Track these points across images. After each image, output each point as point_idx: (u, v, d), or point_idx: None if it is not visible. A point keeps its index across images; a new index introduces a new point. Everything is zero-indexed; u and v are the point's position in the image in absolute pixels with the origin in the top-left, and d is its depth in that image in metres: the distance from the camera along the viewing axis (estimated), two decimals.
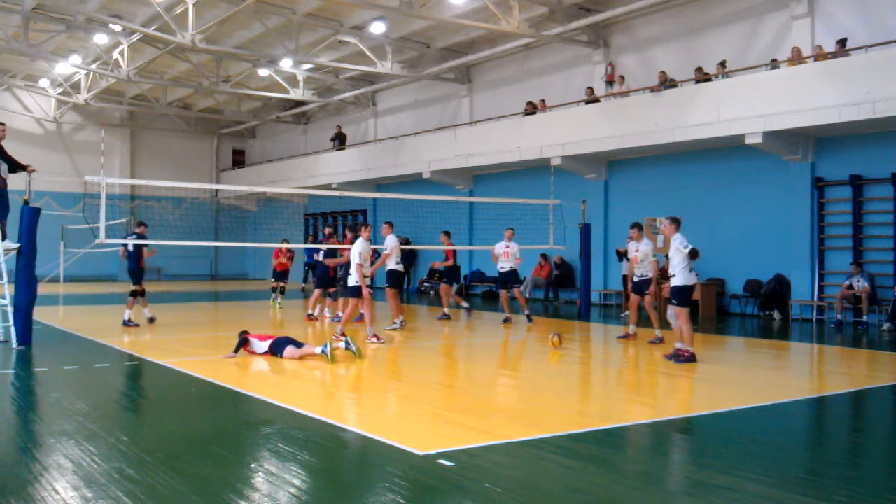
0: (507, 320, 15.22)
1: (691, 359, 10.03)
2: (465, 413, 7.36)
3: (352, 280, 12.01)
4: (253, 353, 10.50)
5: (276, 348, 10.29)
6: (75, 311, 18.60)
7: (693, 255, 10.09)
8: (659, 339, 12.10)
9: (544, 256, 21.96)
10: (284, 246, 20.34)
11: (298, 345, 10.31)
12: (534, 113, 21.65)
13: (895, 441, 6.81)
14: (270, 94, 28.82)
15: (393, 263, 14.04)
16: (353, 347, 10.15)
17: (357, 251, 11.85)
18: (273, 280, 20.46)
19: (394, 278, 14.36)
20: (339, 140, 30.61)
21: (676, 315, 10.31)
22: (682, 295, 10.28)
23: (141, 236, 14.89)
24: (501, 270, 15.28)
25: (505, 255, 15.04)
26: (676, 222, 10.48)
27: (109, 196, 13.77)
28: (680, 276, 10.25)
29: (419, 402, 7.82)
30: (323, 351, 9.94)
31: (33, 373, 9.36)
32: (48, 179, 22.18)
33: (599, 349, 12.77)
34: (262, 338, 10.56)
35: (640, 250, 12.17)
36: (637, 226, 12.38)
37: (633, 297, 12.60)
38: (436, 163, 24.30)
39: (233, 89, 28.47)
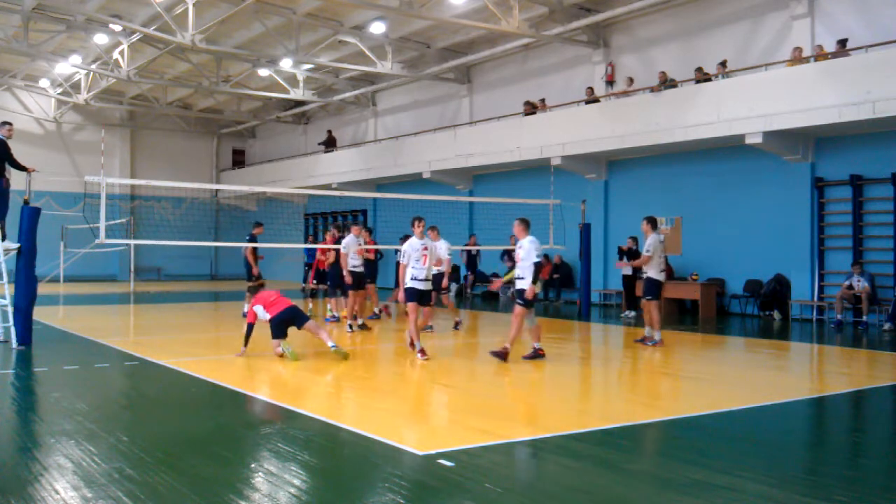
0: (456, 325, 14.16)
1: (502, 355, 10.04)
2: (465, 413, 7.37)
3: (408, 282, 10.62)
4: (257, 318, 10.35)
5: (275, 328, 10.15)
6: (75, 311, 18.60)
7: (537, 266, 9.95)
8: (655, 340, 12.01)
9: (545, 256, 21.95)
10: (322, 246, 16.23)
11: (296, 321, 10.23)
12: (533, 113, 21.66)
13: (895, 441, 6.81)
14: (270, 94, 28.81)
15: (350, 264, 13.52)
16: (342, 353, 10.05)
17: (404, 250, 10.74)
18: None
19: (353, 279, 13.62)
20: (329, 144, 30.74)
21: (515, 314, 10.15)
22: (528, 299, 10.08)
23: (253, 237, 15.53)
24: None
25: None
26: (525, 223, 10.28)
27: (109, 196, 13.77)
28: (528, 280, 10.03)
29: (419, 402, 7.82)
30: (285, 351, 9.90)
31: (33, 373, 9.36)
32: (48, 179, 22.16)
33: (599, 349, 12.77)
34: (269, 306, 10.29)
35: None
36: (649, 220, 12.14)
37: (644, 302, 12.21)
38: (436, 163, 24.30)
39: (233, 89, 28.46)
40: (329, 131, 31.38)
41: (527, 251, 10.04)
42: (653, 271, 11.94)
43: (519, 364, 9.98)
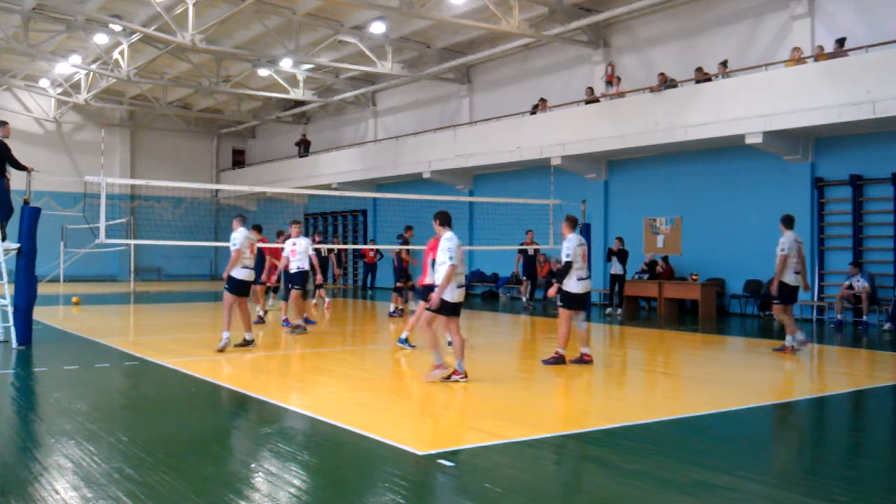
0: (296, 328, 13.16)
1: (560, 360, 9.83)
2: (466, 413, 7.37)
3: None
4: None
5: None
6: (75, 311, 18.59)
7: (567, 266, 9.81)
8: (784, 348, 11.22)
9: (544, 256, 21.94)
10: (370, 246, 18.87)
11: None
12: (534, 112, 21.67)
13: (895, 441, 6.81)
14: (270, 94, 28.82)
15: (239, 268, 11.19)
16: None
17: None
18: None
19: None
20: (303, 147, 30.72)
21: (560, 316, 10.05)
22: (568, 300, 9.92)
23: (405, 240, 16.17)
24: (290, 270, 13.49)
25: (293, 253, 13.42)
26: (571, 221, 10.10)
27: (109, 196, 13.77)
28: (568, 280, 9.89)
29: (419, 402, 7.82)
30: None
31: (33, 373, 9.36)
32: (48, 179, 22.18)
33: (599, 349, 12.75)
34: None
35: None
36: (784, 219, 11.26)
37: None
38: (436, 163, 24.30)
39: (233, 89, 28.47)
40: (303, 134, 31.45)
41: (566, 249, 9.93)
42: (787, 274, 11.01)
43: (519, 365, 9.97)
